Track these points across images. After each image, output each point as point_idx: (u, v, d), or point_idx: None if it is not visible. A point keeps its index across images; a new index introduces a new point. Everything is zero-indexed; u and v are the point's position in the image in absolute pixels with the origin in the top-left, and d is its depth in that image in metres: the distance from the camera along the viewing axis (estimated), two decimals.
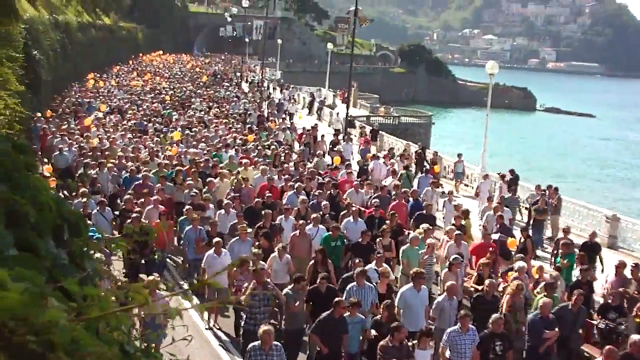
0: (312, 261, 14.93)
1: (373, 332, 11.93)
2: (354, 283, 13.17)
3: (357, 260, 14.59)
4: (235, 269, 13.59)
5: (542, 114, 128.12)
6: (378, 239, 16.92)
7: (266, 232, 16.39)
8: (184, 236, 17.01)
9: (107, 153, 24.83)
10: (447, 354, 11.73)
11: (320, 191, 20.65)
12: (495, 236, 17.96)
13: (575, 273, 16.16)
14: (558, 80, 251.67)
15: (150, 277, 12.54)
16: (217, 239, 15.40)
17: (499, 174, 27.15)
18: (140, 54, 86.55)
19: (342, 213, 19.18)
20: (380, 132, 41.21)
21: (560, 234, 19.29)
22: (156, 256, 16.04)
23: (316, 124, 41.68)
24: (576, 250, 17.41)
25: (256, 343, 10.34)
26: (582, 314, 13.42)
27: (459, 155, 30.65)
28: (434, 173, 28.23)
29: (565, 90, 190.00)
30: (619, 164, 76.07)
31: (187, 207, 18.09)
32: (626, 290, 14.43)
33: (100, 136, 28.91)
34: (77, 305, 1.92)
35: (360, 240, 16.52)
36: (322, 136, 35.13)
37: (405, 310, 12.88)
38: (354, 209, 18.75)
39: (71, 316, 1.82)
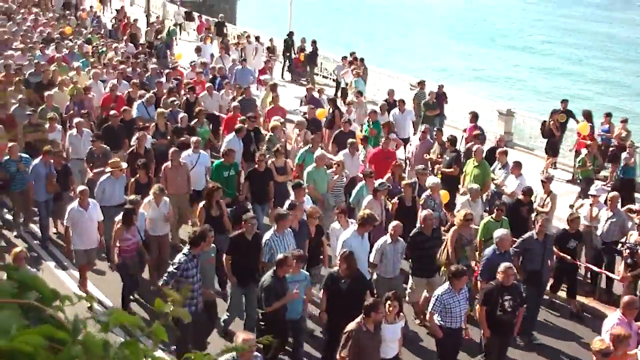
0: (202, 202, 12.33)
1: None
2: (272, 230, 10.91)
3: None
4: (119, 225, 11.28)
5: None
6: (271, 160, 14.31)
7: (145, 162, 13.44)
8: (30, 172, 13.88)
9: None
10: (437, 318, 9.81)
11: (174, 98, 17.94)
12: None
13: None
14: None
15: (18, 249, 9.98)
16: (82, 187, 12.30)
17: None
18: None
19: (193, 122, 16.65)
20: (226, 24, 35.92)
21: None
22: None
23: (123, 6, 38.56)
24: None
25: None
26: (550, 243, 12.05)
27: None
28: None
29: None
30: (421, 30, 76.52)
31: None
32: None
33: None
34: None
35: (257, 166, 13.83)
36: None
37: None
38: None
39: None
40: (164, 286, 9.90)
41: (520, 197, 13.62)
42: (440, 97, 21.14)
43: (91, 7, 38.39)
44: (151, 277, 12.37)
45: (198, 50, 26.93)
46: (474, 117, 18.32)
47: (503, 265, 9.97)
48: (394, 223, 11.32)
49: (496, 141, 16.99)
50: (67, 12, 36.04)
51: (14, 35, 26.51)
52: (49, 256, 13.69)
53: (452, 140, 16.32)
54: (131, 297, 11.91)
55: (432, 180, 13.69)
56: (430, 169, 15.90)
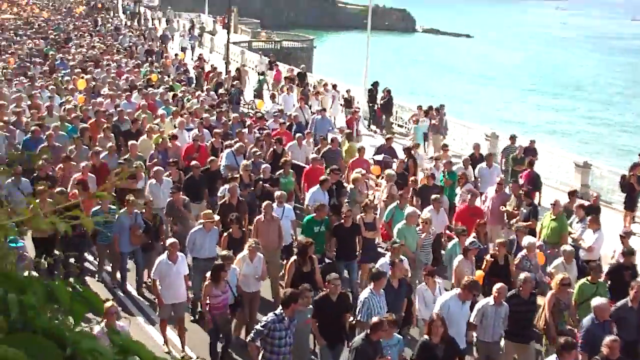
0: (294, 257, 11.85)
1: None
2: (369, 288, 10.56)
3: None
4: (208, 281, 10.97)
5: (422, 35, 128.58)
6: (360, 216, 13.80)
7: (238, 216, 12.99)
8: (115, 223, 13.47)
9: None
10: None
11: (258, 149, 17.74)
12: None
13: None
14: (436, 2, 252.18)
15: (109, 304, 9.64)
16: (172, 239, 12.00)
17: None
18: None
19: (277, 173, 16.44)
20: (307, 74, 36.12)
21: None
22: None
23: (201, 54, 39.51)
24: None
25: None
26: None
27: None
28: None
29: (443, 11, 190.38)
30: (495, 81, 76.09)
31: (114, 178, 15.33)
32: None
33: None
34: None
35: (343, 222, 13.28)
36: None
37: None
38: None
39: None
40: (249, 343, 9.77)
41: (621, 259, 12.96)
42: (530, 152, 20.69)
43: (176, 55, 39.19)
44: (237, 331, 12.06)
45: (273, 97, 27.03)
46: (530, 163, 18.75)
47: (608, 339, 9.36)
48: (498, 286, 10.76)
49: (593, 200, 16.52)
50: (150, 59, 36.78)
51: (101, 82, 27.14)
52: (134, 306, 13.47)
53: (528, 193, 15.98)
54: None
55: (528, 239, 13.11)
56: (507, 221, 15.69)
